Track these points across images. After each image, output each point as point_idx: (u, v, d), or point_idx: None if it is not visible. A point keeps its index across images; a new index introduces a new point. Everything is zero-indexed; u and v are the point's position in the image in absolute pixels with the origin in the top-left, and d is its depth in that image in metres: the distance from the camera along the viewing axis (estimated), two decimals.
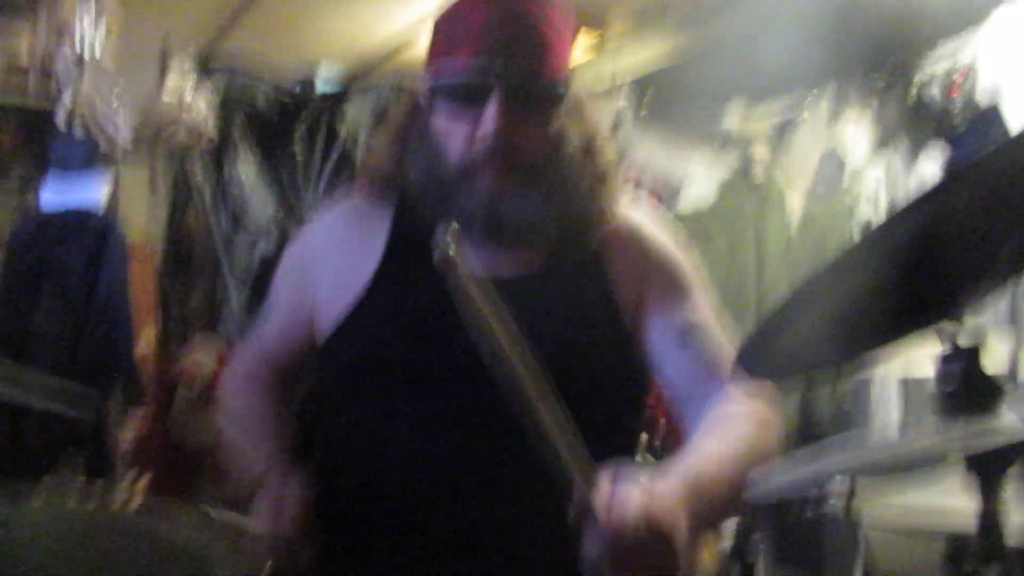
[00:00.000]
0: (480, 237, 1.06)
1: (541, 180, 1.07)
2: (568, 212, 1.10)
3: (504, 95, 1.02)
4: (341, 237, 1.17)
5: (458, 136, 1.06)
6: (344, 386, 1.13)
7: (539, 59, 1.04)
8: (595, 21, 3.36)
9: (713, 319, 1.16)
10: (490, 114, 1.03)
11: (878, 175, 3.19)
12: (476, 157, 1.04)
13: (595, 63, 3.47)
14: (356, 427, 1.11)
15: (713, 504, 0.98)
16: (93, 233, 2.74)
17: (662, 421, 2.23)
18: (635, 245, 1.16)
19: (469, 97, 1.04)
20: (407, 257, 1.11)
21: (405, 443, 1.06)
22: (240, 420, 1.21)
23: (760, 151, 3.45)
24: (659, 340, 1.13)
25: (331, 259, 1.16)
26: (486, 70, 1.03)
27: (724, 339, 1.14)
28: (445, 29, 1.08)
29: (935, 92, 2.80)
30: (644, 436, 2.15)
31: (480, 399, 1.01)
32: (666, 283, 1.16)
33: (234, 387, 1.25)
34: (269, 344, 1.22)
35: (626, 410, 1.15)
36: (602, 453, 1.02)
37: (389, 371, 1.08)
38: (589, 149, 1.12)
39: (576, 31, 1.13)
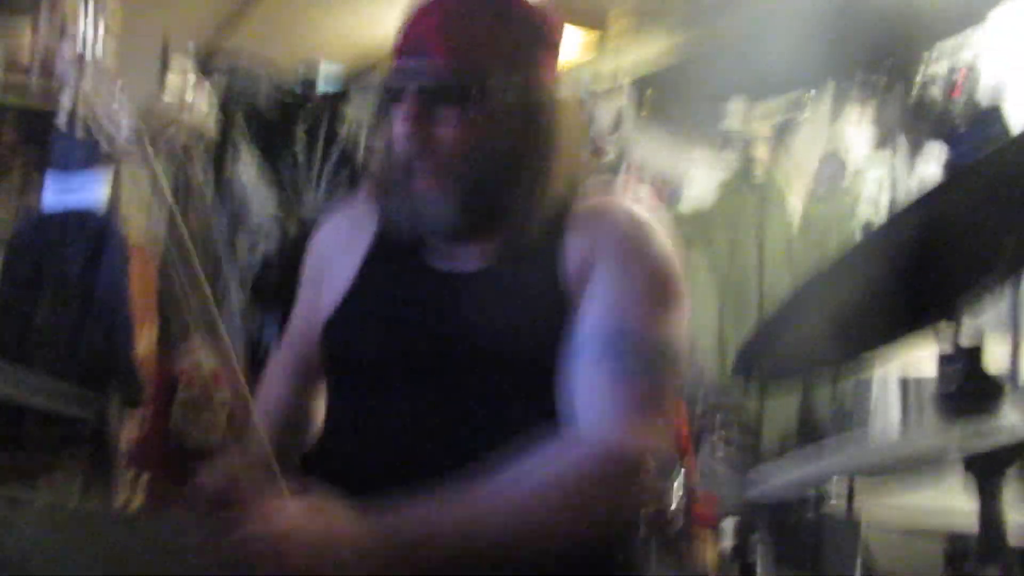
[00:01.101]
0: (416, 234, 1.11)
1: (460, 176, 1.07)
2: (504, 206, 1.09)
3: (415, 95, 1.06)
4: (341, 236, 1.24)
5: (397, 138, 1.09)
6: (329, 380, 1.19)
7: (448, 54, 1.05)
8: (595, 21, 3.37)
9: (667, 339, 1.03)
10: (400, 115, 1.07)
11: (879, 175, 3.19)
12: (400, 159, 1.08)
13: (595, 63, 3.47)
14: (336, 419, 1.17)
15: (426, 556, 0.89)
16: (93, 233, 2.74)
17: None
18: (592, 230, 1.10)
19: (393, 99, 1.08)
20: (386, 256, 1.17)
21: (374, 435, 1.09)
22: (267, 410, 1.25)
23: (760, 151, 3.45)
24: (580, 342, 1.03)
25: (333, 258, 1.23)
26: (402, 72, 1.08)
27: (669, 368, 1.01)
28: (397, 34, 1.13)
29: (936, 92, 2.79)
30: None
31: (449, 393, 1.05)
32: (608, 274, 1.06)
33: (269, 377, 1.30)
34: (294, 339, 1.29)
35: None
36: None
37: (361, 366, 1.12)
38: (533, 147, 1.10)
39: (535, 19, 1.12)
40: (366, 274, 1.17)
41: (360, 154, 3.50)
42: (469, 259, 1.12)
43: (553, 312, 1.07)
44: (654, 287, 1.06)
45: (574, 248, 1.09)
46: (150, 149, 1.29)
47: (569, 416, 1.01)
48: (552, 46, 1.15)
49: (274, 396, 1.27)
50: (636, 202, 1.17)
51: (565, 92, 1.18)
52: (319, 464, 1.16)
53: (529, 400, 1.04)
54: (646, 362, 1.00)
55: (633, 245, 1.08)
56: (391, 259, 1.16)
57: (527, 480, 0.93)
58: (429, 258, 1.15)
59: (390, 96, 1.08)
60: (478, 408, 1.05)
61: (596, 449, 0.96)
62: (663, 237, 1.11)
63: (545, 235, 1.10)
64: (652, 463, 0.97)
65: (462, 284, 1.10)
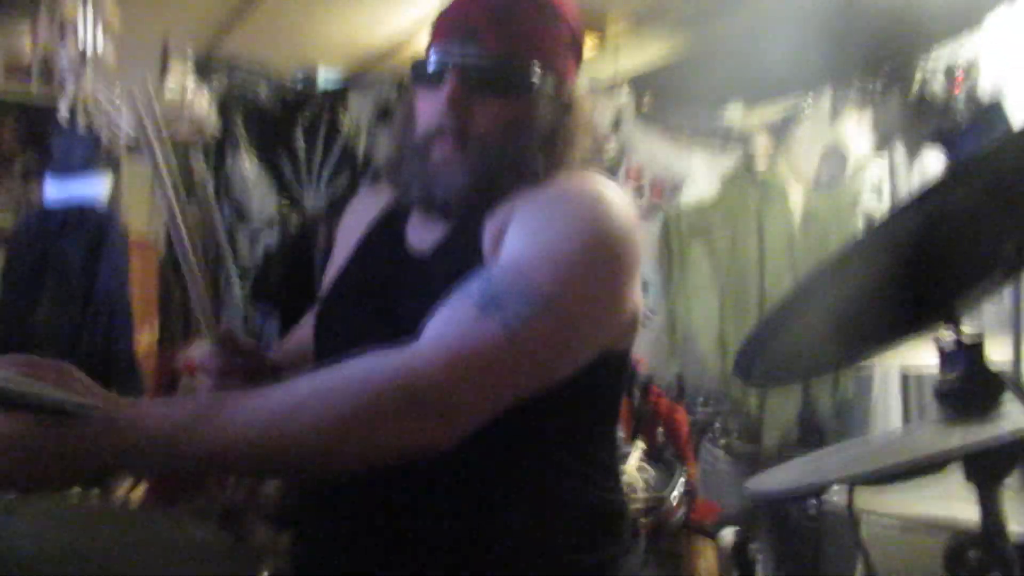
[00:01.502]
0: (418, 204, 1.12)
1: (485, 157, 1.08)
2: (511, 187, 1.07)
3: (458, 76, 1.07)
4: (355, 217, 1.28)
5: (423, 114, 1.11)
6: (319, 356, 1.19)
7: (498, 42, 1.08)
8: (595, 21, 3.36)
9: (538, 290, 0.91)
10: (445, 92, 1.08)
11: (878, 175, 3.19)
12: (431, 130, 1.09)
13: (595, 63, 3.47)
14: None
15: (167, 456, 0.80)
16: (93, 229, 2.74)
17: (660, 423, 2.23)
18: (516, 198, 1.05)
19: (433, 79, 1.10)
20: (378, 238, 1.19)
21: None
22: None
23: (762, 147, 3.45)
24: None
25: (343, 238, 1.27)
26: (445, 52, 1.09)
27: (523, 315, 0.89)
28: (433, 24, 1.15)
29: (937, 88, 2.79)
30: (642, 442, 2.14)
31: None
32: (515, 225, 1.00)
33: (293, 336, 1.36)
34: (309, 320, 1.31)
35: (587, 406, 1.07)
36: (564, 451, 1.06)
37: (334, 343, 1.12)
38: (553, 137, 1.11)
39: (571, 22, 1.15)
40: (356, 255, 1.21)
41: (359, 152, 3.50)
42: (424, 239, 1.14)
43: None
44: (564, 240, 0.96)
45: (495, 217, 1.05)
46: (157, 145, 1.28)
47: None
48: (580, 49, 1.19)
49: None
50: (593, 180, 1.09)
51: (586, 94, 1.20)
52: None
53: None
54: (520, 299, 0.89)
55: (551, 201, 1.02)
56: (380, 241, 1.19)
57: (333, 374, 0.85)
58: (408, 239, 1.16)
59: (429, 73, 1.10)
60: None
61: (412, 358, 0.86)
62: (602, 203, 1.02)
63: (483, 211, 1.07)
64: (470, 397, 0.86)
65: (416, 265, 1.12)
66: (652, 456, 2.03)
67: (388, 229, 1.19)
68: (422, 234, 1.14)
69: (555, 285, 0.91)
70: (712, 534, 1.92)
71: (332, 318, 1.19)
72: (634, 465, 1.90)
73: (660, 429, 2.22)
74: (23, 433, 0.78)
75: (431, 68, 1.10)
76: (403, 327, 0.92)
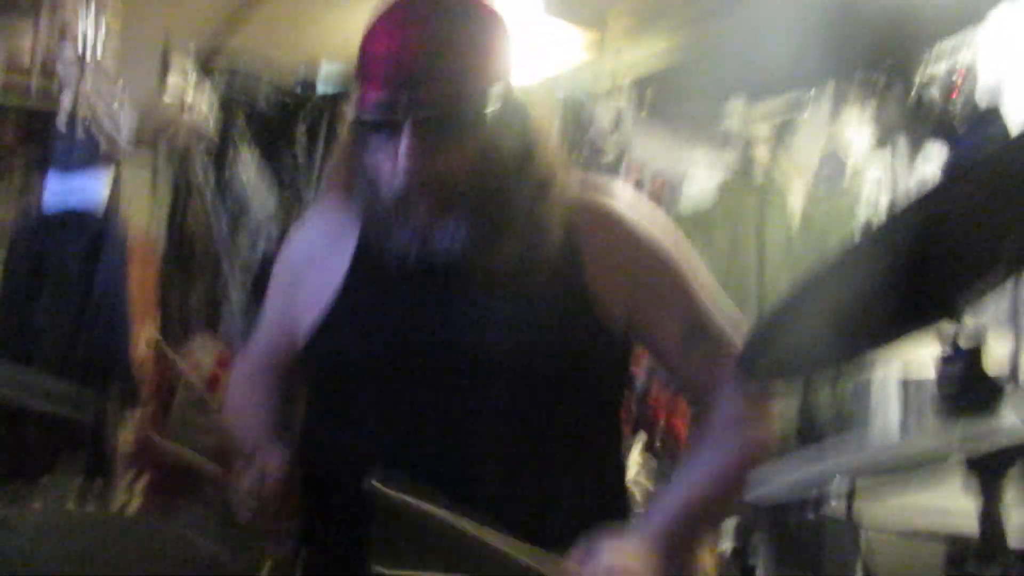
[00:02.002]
0: (419, 270, 1.06)
1: (469, 203, 1.03)
2: (508, 226, 1.06)
3: (413, 129, 0.99)
4: (318, 244, 1.20)
5: (383, 170, 1.04)
6: (314, 388, 1.17)
7: (449, 84, 1.00)
8: (595, 21, 3.36)
9: (715, 308, 1.14)
10: (402, 151, 1.00)
11: (878, 175, 3.18)
12: (399, 191, 1.03)
13: (595, 63, 3.47)
14: (323, 427, 1.15)
15: (693, 532, 1.12)
16: (92, 233, 2.74)
17: (661, 421, 2.22)
18: (616, 234, 1.12)
19: (383, 132, 1.02)
20: (371, 265, 1.12)
21: (365, 444, 1.08)
22: (237, 407, 1.28)
23: (760, 151, 3.45)
24: (663, 343, 1.13)
25: (310, 266, 1.19)
26: (392, 105, 1.00)
27: (729, 327, 1.13)
28: (361, 57, 1.06)
29: (935, 93, 2.79)
30: (643, 436, 2.14)
31: (438, 400, 1.04)
32: (661, 279, 1.12)
33: (236, 377, 1.32)
34: (264, 344, 1.28)
35: (603, 407, 1.14)
36: (580, 451, 1.08)
37: (352, 375, 1.10)
38: (527, 151, 1.07)
39: (504, 31, 1.06)
40: (351, 285, 1.13)
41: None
42: (467, 268, 1.08)
43: (575, 318, 1.07)
44: (686, 261, 1.15)
45: (600, 252, 1.10)
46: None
47: (695, 396, 1.16)
48: (510, 39, 1.08)
49: (242, 394, 1.28)
50: (615, 187, 1.17)
51: (534, 88, 1.16)
52: (317, 469, 1.13)
53: (551, 409, 1.06)
54: (725, 333, 1.12)
55: (655, 244, 1.14)
56: (376, 269, 1.11)
57: (739, 430, 1.10)
58: (417, 257, 1.09)
59: (375, 127, 1.03)
60: (497, 419, 1.04)
61: (763, 398, 1.11)
62: (658, 212, 1.18)
63: (550, 239, 1.08)
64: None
65: (467, 292, 1.07)
66: (653, 448, 2.03)
67: (384, 258, 1.10)
68: (433, 244, 1.07)
69: (712, 297, 1.16)
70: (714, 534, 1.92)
71: (354, 353, 1.11)
72: (636, 458, 1.89)
73: (662, 421, 2.22)
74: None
75: (377, 121, 1.02)
76: (467, 355, 1.05)
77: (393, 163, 1.02)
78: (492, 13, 1.06)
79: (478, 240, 1.05)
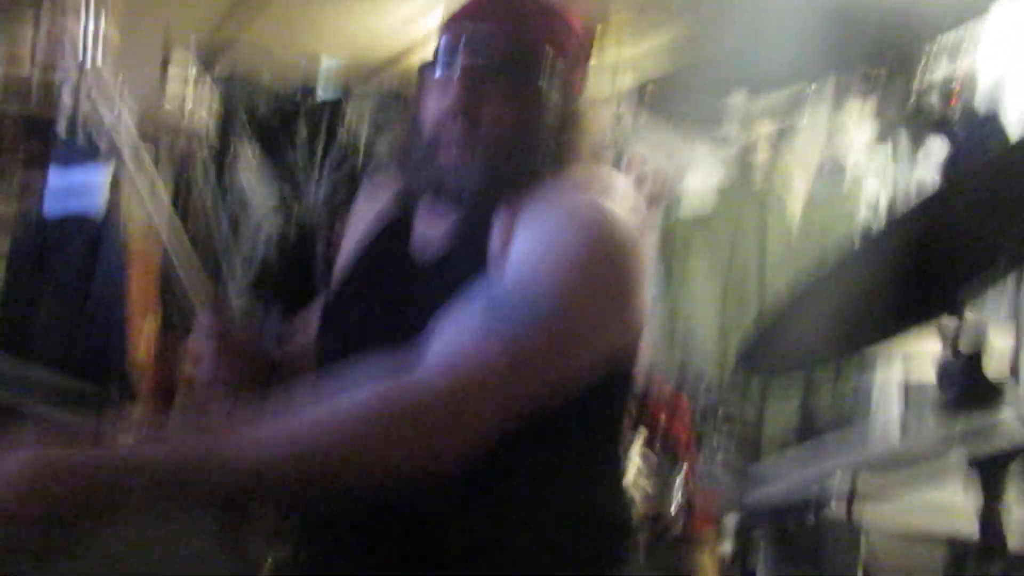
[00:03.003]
0: (429, 192, 1.09)
1: (496, 141, 1.05)
2: (522, 178, 1.06)
3: (470, 56, 1.05)
4: (362, 215, 1.25)
5: (433, 111, 1.08)
6: (320, 359, 1.17)
7: (509, 24, 1.07)
8: (595, 20, 3.35)
9: (545, 296, 0.90)
10: (452, 87, 1.05)
11: (878, 180, 3.19)
12: (441, 128, 1.07)
13: (595, 62, 3.46)
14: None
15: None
16: (91, 236, 2.74)
17: (661, 421, 2.22)
18: (545, 207, 1.01)
19: (443, 63, 1.08)
20: (381, 241, 1.16)
21: None
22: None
23: (760, 151, 3.44)
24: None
25: (350, 233, 1.25)
26: (452, 46, 1.07)
27: (532, 323, 0.89)
28: (444, 13, 1.13)
29: (934, 100, 2.79)
30: (643, 434, 2.14)
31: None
32: (522, 233, 0.99)
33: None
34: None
35: (599, 409, 1.06)
36: (574, 455, 1.05)
37: (340, 348, 1.10)
38: (563, 126, 1.10)
39: (579, 25, 1.14)
40: (360, 258, 1.18)
41: (360, 155, 3.50)
42: (429, 246, 1.11)
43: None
44: (569, 251, 0.95)
45: (501, 221, 1.03)
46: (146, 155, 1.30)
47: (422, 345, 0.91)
48: (588, 52, 1.17)
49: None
50: (605, 189, 1.07)
51: (595, 96, 1.20)
52: None
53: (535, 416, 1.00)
54: (524, 316, 0.89)
55: (557, 208, 1.00)
56: (385, 243, 1.16)
57: (339, 401, 0.84)
58: (413, 242, 1.13)
59: (439, 61, 1.08)
60: None
61: (417, 382, 0.86)
62: (608, 212, 1.01)
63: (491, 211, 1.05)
64: (475, 418, 0.86)
65: (422, 269, 1.10)
66: (653, 446, 2.03)
67: (392, 231, 1.17)
68: (428, 236, 1.12)
69: (558, 299, 0.90)
70: (713, 526, 1.92)
71: (335, 322, 1.17)
72: (636, 454, 1.89)
73: (662, 418, 2.22)
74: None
75: (440, 54, 1.09)
76: (407, 333, 0.92)
77: (443, 93, 1.06)
78: (568, 11, 1.13)
79: (487, 180, 1.05)
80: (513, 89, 1.07)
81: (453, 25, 1.09)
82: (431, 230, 1.11)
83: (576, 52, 1.14)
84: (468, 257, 1.03)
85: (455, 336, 0.89)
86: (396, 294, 1.10)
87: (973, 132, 2.69)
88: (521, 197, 1.04)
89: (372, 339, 1.02)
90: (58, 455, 0.77)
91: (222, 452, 0.79)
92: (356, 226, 1.25)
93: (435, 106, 1.08)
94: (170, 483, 0.77)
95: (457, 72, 1.06)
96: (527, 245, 0.96)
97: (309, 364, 1.23)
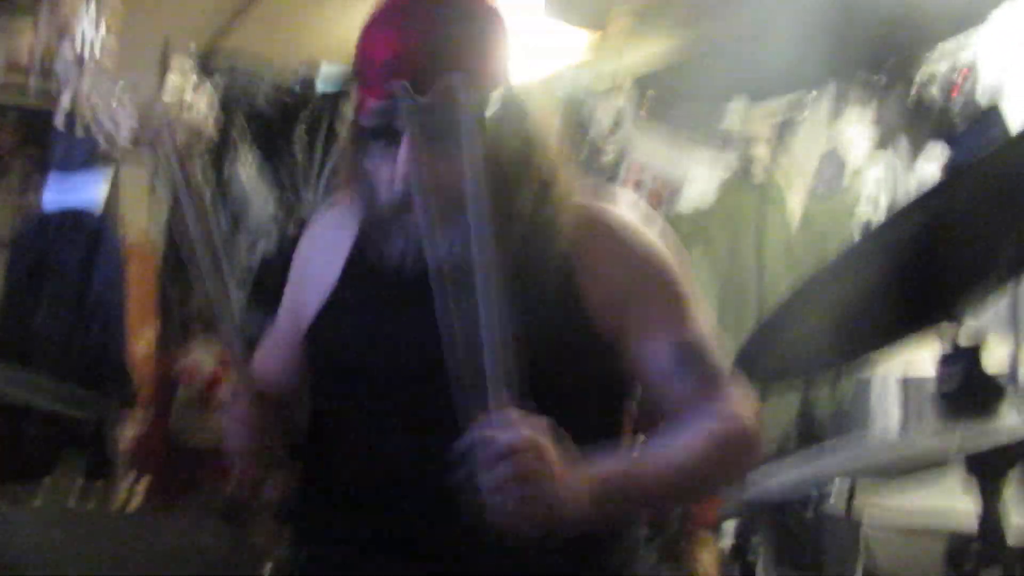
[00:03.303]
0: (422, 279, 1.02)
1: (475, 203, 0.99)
2: (508, 229, 1.03)
3: (413, 135, 0.97)
4: (322, 241, 1.22)
5: (383, 177, 1.04)
6: (313, 386, 1.17)
7: (447, 83, 0.97)
8: (595, 22, 3.36)
9: (707, 330, 1.11)
10: (401, 157, 1.00)
11: (878, 175, 3.19)
12: (398, 199, 1.03)
13: (595, 63, 3.47)
14: (322, 425, 1.15)
15: (630, 498, 1.00)
16: (89, 233, 2.73)
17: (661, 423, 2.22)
18: (614, 246, 1.10)
19: (383, 139, 1.02)
20: (367, 262, 1.12)
21: (361, 443, 1.09)
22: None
23: (760, 151, 3.44)
24: (653, 358, 1.08)
25: (313, 262, 1.21)
26: (391, 112, 0.99)
27: (718, 351, 1.10)
28: (358, 59, 1.05)
29: (935, 92, 2.79)
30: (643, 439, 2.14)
31: (431, 401, 0.99)
32: (657, 294, 1.10)
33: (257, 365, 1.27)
34: (278, 341, 1.28)
35: (599, 419, 1.11)
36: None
37: (346, 372, 1.10)
38: (528, 152, 1.07)
39: (503, 30, 1.05)
40: (346, 282, 1.14)
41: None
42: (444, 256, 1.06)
43: (568, 326, 1.05)
44: (692, 283, 1.13)
45: (597, 262, 1.08)
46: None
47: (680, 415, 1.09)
48: (509, 38, 1.07)
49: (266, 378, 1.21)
50: (618, 196, 1.16)
51: (538, 87, 1.17)
52: (316, 467, 1.14)
53: (548, 412, 0.96)
54: (713, 357, 1.09)
55: (653, 259, 1.12)
56: (371, 268, 1.11)
57: (697, 438, 1.03)
58: (411, 261, 1.08)
59: (376, 128, 1.02)
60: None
61: (739, 423, 1.06)
62: (659, 233, 1.15)
63: (550, 242, 1.07)
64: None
65: (457, 296, 1.03)
66: None
67: (378, 252, 1.11)
68: (409, 248, 1.08)
69: (714, 346, 1.11)
70: (713, 525, 1.92)
71: (338, 348, 1.12)
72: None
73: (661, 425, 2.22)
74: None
75: (377, 126, 1.02)
76: (423, 348, 0.99)
77: (392, 170, 1.01)
78: (491, 11, 1.04)
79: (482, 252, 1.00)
80: (478, 127, 0.97)
81: (381, 86, 0.99)
82: (411, 242, 1.07)
83: (505, 55, 1.06)
84: (529, 278, 1.05)
85: (715, 391, 1.08)
86: (400, 308, 1.07)
87: (973, 134, 2.69)
88: (559, 219, 1.08)
89: (385, 355, 1.07)
90: (598, 474, 0.94)
91: (643, 476, 1.00)
92: (316, 254, 1.21)
93: (386, 174, 1.03)
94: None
95: (404, 148, 0.98)
96: (694, 323, 1.11)
97: (295, 393, 1.21)
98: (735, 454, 1.06)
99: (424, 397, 1.04)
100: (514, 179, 1.06)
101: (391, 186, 1.03)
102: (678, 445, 1.03)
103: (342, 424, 1.12)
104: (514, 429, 0.88)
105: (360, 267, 1.14)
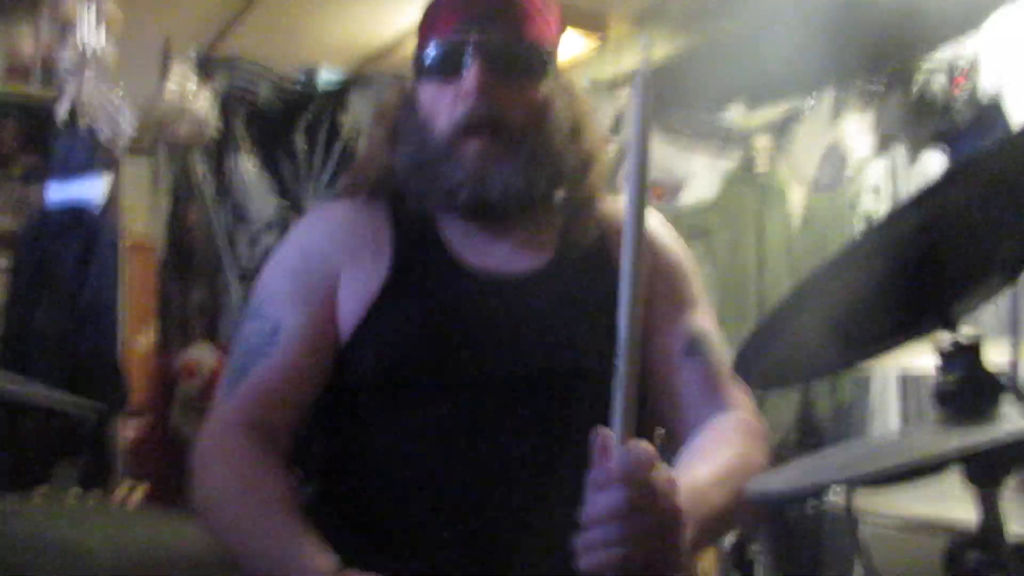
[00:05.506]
0: (468, 212, 1.06)
1: (526, 149, 1.05)
2: (557, 185, 1.10)
3: (483, 58, 1.03)
4: (346, 241, 1.10)
5: (443, 108, 1.05)
6: (364, 396, 1.06)
7: (517, 25, 1.05)
8: (596, 24, 3.36)
9: (714, 327, 1.15)
10: (470, 74, 1.02)
11: (880, 170, 3.18)
12: (460, 123, 1.04)
13: (595, 63, 3.47)
14: (379, 436, 1.05)
15: (705, 523, 0.92)
16: (87, 232, 2.73)
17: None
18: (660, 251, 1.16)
19: (450, 67, 1.05)
20: (416, 255, 1.08)
21: (432, 452, 1.01)
22: (239, 501, 1.01)
23: (762, 146, 3.44)
24: (665, 349, 1.10)
25: (342, 265, 1.09)
26: (464, 38, 1.04)
27: (723, 348, 1.14)
28: (429, 13, 1.11)
29: (937, 88, 2.79)
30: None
31: (508, 404, 0.98)
32: (674, 289, 1.15)
33: (222, 451, 1.05)
34: (286, 370, 1.06)
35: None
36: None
37: (411, 377, 1.03)
38: (576, 129, 1.10)
39: (558, 12, 1.13)
40: (398, 279, 1.06)
41: (359, 153, 3.50)
42: (514, 261, 1.07)
43: (609, 319, 1.01)
44: (695, 276, 1.18)
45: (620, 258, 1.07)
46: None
47: (680, 410, 1.10)
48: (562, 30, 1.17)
49: (241, 478, 1.02)
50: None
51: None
52: (377, 483, 1.04)
53: (591, 405, 0.91)
54: (720, 352, 1.13)
55: (673, 258, 1.17)
56: (424, 261, 1.06)
57: (740, 438, 1.06)
58: (462, 258, 1.06)
59: (442, 63, 1.05)
60: (576, 423, 0.89)
61: (753, 411, 1.11)
62: (672, 234, 1.22)
63: (586, 235, 1.12)
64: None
65: (516, 289, 1.05)
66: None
67: (424, 251, 1.07)
68: (483, 252, 1.07)
69: (713, 323, 1.17)
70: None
71: (402, 350, 1.03)
72: None
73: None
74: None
75: (444, 56, 1.05)
76: (528, 357, 1.01)
77: (455, 97, 1.04)
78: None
79: (531, 189, 1.05)
80: (527, 90, 1.06)
81: (456, 22, 1.05)
82: (485, 240, 1.07)
83: (559, 45, 1.13)
84: (571, 271, 1.09)
85: (723, 385, 1.11)
86: (491, 313, 1.03)
87: (973, 133, 2.69)
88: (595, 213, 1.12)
89: (476, 356, 1.01)
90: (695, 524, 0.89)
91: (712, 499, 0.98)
92: (335, 249, 1.10)
93: (441, 111, 1.04)
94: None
95: (470, 74, 1.02)
96: (704, 318, 1.15)
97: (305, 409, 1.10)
98: (765, 460, 1.08)
99: (503, 401, 0.99)
100: (565, 143, 1.09)
101: (452, 113, 1.04)
102: (735, 469, 1.01)
103: (404, 432, 1.02)
104: (658, 497, 0.79)
105: (410, 258, 1.07)
